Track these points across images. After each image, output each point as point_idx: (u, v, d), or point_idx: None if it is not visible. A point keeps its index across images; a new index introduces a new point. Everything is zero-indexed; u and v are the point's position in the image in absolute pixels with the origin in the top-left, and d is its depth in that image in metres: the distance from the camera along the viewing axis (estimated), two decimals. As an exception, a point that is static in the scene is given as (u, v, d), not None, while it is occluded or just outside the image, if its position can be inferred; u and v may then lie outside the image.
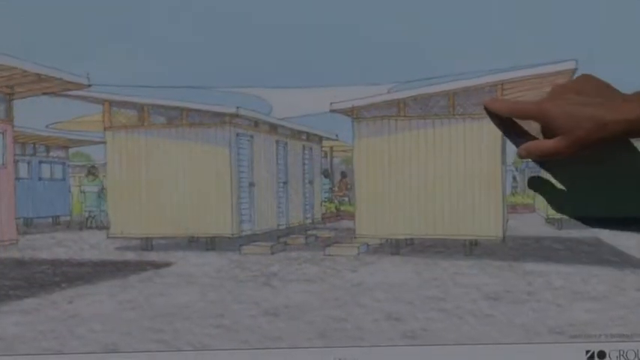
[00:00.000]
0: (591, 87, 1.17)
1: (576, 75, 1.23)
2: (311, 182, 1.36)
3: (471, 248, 1.29)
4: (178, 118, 1.31)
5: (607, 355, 1.26)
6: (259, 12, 1.26)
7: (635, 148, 1.31)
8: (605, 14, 1.28)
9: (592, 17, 1.27)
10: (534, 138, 1.24)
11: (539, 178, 1.20)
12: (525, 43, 1.26)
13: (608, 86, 1.20)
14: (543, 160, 1.23)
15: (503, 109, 1.23)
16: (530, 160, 1.24)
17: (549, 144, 1.22)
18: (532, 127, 1.21)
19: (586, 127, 1.15)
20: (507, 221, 1.30)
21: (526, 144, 1.25)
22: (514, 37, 1.27)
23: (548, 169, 1.27)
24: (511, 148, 1.34)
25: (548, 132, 1.23)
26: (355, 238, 1.30)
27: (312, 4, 1.28)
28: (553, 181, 1.26)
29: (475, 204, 1.29)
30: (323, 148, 1.35)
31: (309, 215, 1.35)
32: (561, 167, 1.27)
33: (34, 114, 1.27)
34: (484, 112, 1.31)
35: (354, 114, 1.31)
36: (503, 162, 1.30)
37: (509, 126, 1.24)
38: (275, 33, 1.26)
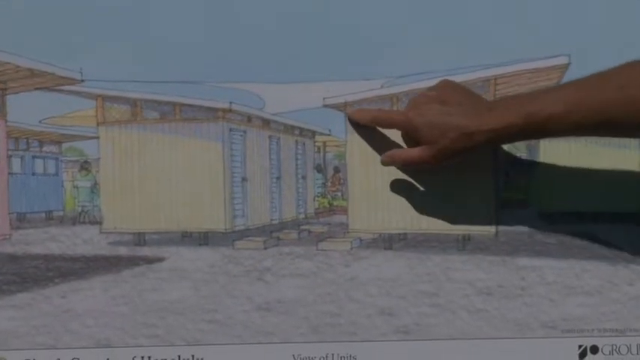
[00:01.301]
0: (454, 95, 1.19)
1: (568, 72, 1.23)
2: (304, 177, 1.36)
3: (464, 243, 1.29)
4: (171, 113, 1.31)
5: (600, 350, 1.26)
6: (251, 7, 1.26)
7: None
8: (597, 8, 1.28)
9: (585, 11, 1.27)
10: (398, 145, 1.27)
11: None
12: (519, 38, 1.26)
13: (470, 94, 1.21)
14: (407, 167, 1.26)
15: (367, 119, 1.25)
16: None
17: (414, 153, 1.24)
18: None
19: (451, 137, 1.17)
20: (499, 216, 1.31)
21: (391, 152, 1.27)
22: (507, 32, 1.27)
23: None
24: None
25: (410, 141, 1.25)
26: (348, 232, 1.30)
27: (305, -1, 1.28)
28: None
29: (467, 199, 1.29)
30: (316, 143, 1.35)
31: (302, 210, 1.35)
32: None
33: (27, 109, 1.27)
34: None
35: (347, 109, 1.31)
36: (496, 156, 1.30)
37: (372, 133, 1.27)
38: (267, 28, 1.26)
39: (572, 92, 1.08)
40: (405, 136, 1.20)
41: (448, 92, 1.16)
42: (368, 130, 1.24)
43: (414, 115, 1.15)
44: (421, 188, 1.28)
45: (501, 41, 1.28)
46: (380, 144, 1.24)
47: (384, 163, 1.24)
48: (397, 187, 1.28)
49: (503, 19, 1.28)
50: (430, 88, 1.18)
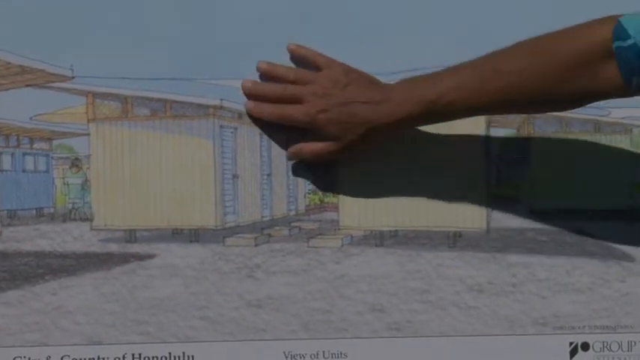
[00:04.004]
0: (355, 78, 1.18)
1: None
2: (295, 174, 1.36)
3: (455, 240, 1.29)
4: (162, 110, 1.31)
5: (591, 347, 1.26)
6: (242, 3, 1.26)
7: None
8: (592, 7, 1.28)
9: (570, 6, 1.27)
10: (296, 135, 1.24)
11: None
12: (513, 35, 1.26)
13: (369, 78, 1.20)
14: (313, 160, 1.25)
15: (270, 116, 1.25)
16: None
17: (320, 147, 1.24)
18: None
19: (358, 132, 1.18)
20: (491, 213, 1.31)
21: (297, 146, 1.27)
22: (501, 28, 1.27)
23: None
24: (495, 139, 1.34)
25: (312, 133, 1.23)
26: (339, 229, 1.29)
27: (296, -5, 1.28)
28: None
29: (459, 196, 1.29)
30: (307, 140, 1.35)
31: (292, 207, 1.35)
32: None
33: (17, 106, 1.27)
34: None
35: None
36: (487, 153, 1.30)
37: (271, 125, 1.26)
38: (257, 24, 1.26)
39: (468, 76, 1.11)
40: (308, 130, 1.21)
41: (348, 75, 1.18)
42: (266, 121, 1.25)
43: (317, 112, 1.16)
44: (412, 185, 1.28)
45: (494, 37, 1.28)
46: (279, 134, 1.25)
47: (291, 158, 1.26)
48: (388, 184, 1.28)
49: (496, 15, 1.28)
50: (319, 74, 1.19)
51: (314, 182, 1.30)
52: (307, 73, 1.22)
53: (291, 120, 1.20)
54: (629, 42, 1.06)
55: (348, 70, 1.20)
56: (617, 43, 1.07)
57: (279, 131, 1.25)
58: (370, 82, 1.19)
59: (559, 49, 1.09)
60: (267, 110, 1.23)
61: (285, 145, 1.26)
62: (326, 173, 1.27)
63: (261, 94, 1.24)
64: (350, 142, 1.16)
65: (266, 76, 1.25)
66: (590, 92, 1.10)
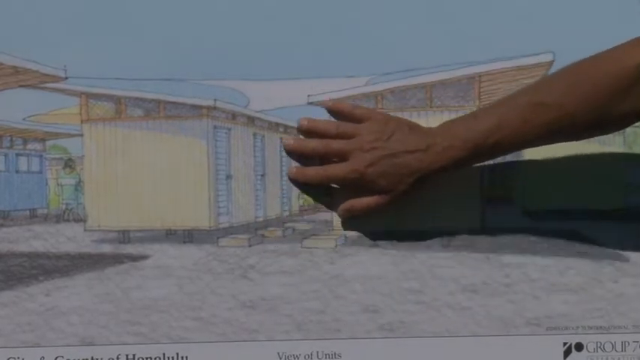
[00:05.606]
0: (397, 127, 1.18)
1: (554, 67, 1.23)
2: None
3: (449, 240, 1.29)
4: (155, 110, 1.30)
5: (584, 347, 1.26)
6: (235, 3, 1.26)
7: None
8: (582, 6, 1.28)
9: (569, 7, 1.27)
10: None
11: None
12: (504, 36, 1.26)
13: (400, 121, 1.21)
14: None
15: (315, 179, 1.24)
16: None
17: (373, 201, 1.24)
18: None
19: (407, 182, 1.18)
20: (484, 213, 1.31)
21: (348, 203, 1.26)
22: (492, 29, 1.28)
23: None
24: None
25: (357, 188, 1.21)
26: (333, 230, 1.29)
27: (289, -4, 1.28)
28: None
29: (452, 196, 1.29)
30: (301, 141, 1.35)
31: (286, 208, 1.35)
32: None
33: (10, 107, 1.27)
34: (461, 104, 1.32)
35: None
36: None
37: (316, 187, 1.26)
38: (251, 25, 1.26)
39: (509, 114, 1.12)
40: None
41: (389, 125, 1.17)
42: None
43: (365, 167, 1.16)
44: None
45: (486, 39, 1.28)
46: (325, 196, 1.25)
47: (343, 216, 1.24)
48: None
49: (488, 16, 1.29)
50: (360, 127, 1.19)
51: (329, 207, 1.29)
52: (349, 127, 1.21)
53: (338, 180, 1.20)
54: None
55: (388, 119, 1.20)
56: None
57: (324, 191, 1.25)
58: (410, 128, 1.19)
59: (597, 75, 1.09)
60: (312, 174, 1.23)
61: (331, 205, 1.26)
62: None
63: (304, 153, 1.23)
64: (401, 192, 1.16)
65: (307, 133, 1.24)
66: (636, 112, 1.10)
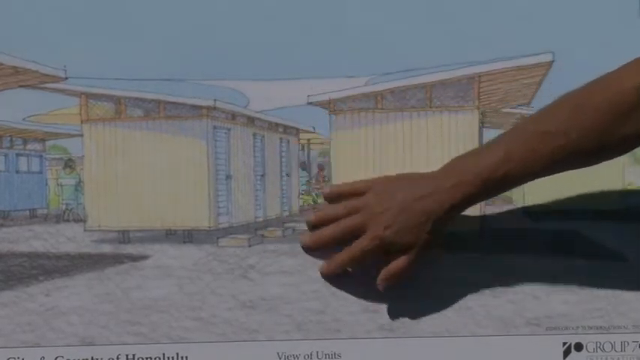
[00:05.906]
0: (398, 183, 1.17)
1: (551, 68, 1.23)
2: (288, 175, 1.36)
3: (449, 241, 1.29)
4: (155, 110, 1.31)
5: (584, 347, 1.26)
6: (235, 3, 1.26)
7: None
8: (582, 6, 1.28)
9: (568, 7, 1.27)
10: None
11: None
12: (504, 36, 1.26)
13: (407, 176, 1.20)
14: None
15: (344, 265, 1.24)
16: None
17: (402, 263, 1.23)
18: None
19: (427, 229, 1.18)
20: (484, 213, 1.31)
21: (384, 275, 1.24)
22: (492, 29, 1.28)
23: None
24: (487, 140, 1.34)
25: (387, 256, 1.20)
26: (332, 230, 1.29)
27: (289, -4, 1.28)
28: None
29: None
30: (300, 141, 1.35)
31: (286, 208, 1.35)
32: None
33: (10, 107, 1.27)
34: (461, 104, 1.32)
35: (331, 106, 1.31)
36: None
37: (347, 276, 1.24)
38: (251, 25, 1.26)
39: (515, 145, 1.11)
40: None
41: (386, 188, 1.17)
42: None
43: (383, 231, 1.15)
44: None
45: (486, 39, 1.28)
46: (358, 285, 1.24)
47: (382, 288, 1.21)
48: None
49: (488, 16, 1.29)
50: (366, 197, 1.18)
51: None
52: (355, 202, 1.20)
53: (364, 253, 1.18)
54: None
55: (389, 179, 1.20)
56: None
57: (355, 278, 1.24)
58: (411, 179, 1.18)
59: (598, 100, 1.09)
60: (339, 262, 1.22)
61: (365, 287, 1.24)
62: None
63: (323, 245, 1.22)
64: (425, 241, 1.15)
65: (318, 225, 1.23)
66: (638, 135, 1.10)
